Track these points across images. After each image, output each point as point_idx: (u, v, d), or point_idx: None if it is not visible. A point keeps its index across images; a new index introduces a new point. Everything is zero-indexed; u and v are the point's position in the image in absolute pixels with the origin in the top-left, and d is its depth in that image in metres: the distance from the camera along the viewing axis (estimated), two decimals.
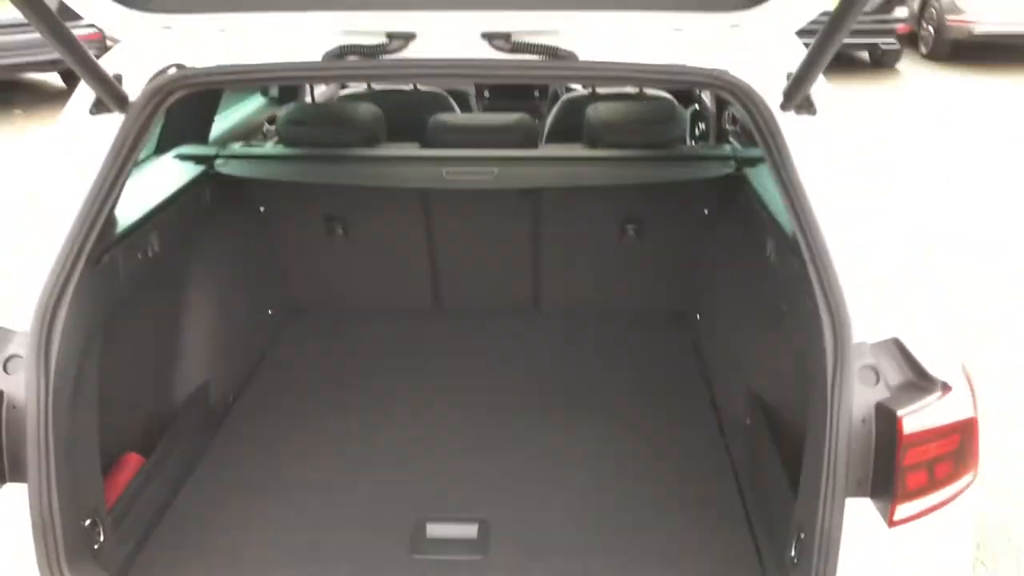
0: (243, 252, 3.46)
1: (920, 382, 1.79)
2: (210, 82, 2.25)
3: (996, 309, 5.15)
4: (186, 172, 3.14)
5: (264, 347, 3.56)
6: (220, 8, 2.22)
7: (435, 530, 2.50)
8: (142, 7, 2.21)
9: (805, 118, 2.08)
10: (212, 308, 3.13)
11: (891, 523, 1.78)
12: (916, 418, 1.74)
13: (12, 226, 2.10)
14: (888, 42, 11.72)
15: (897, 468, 1.75)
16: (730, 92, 2.10)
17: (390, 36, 2.18)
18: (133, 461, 2.57)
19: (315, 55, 2.19)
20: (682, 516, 2.57)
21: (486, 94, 5.53)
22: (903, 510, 1.78)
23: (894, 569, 1.86)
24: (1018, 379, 4.37)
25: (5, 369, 1.91)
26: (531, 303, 3.82)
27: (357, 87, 4.64)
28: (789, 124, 2.05)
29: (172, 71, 2.18)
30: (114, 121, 2.14)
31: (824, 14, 1.87)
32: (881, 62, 12.19)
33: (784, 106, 2.07)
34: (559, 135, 4.09)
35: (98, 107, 2.17)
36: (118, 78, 2.16)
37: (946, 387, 1.78)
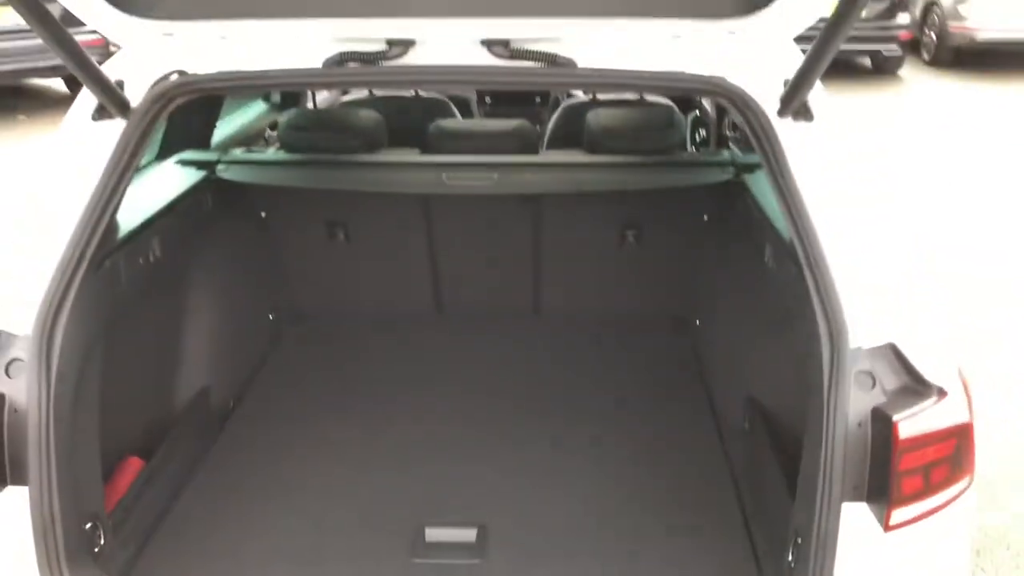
0: (244, 257, 3.47)
1: (916, 387, 1.80)
2: (211, 88, 2.26)
3: (998, 316, 5.14)
4: (188, 177, 3.15)
5: (265, 352, 3.58)
6: (221, 15, 2.23)
7: (434, 534, 2.50)
8: (144, 14, 2.22)
9: (802, 124, 2.09)
10: (213, 313, 3.14)
11: (887, 527, 1.79)
12: (912, 423, 1.75)
13: (15, 230, 2.12)
14: (890, 48, 11.74)
15: (893, 473, 1.75)
16: (727, 99, 2.11)
17: (390, 43, 2.19)
18: (134, 465, 2.58)
19: (316, 62, 2.20)
20: (680, 521, 2.58)
21: (487, 100, 5.55)
22: (899, 515, 1.78)
23: (891, 573, 1.86)
24: (1020, 386, 4.37)
25: (7, 373, 1.92)
26: (531, 308, 3.83)
27: (359, 93, 4.66)
28: (786, 130, 2.06)
29: (174, 77, 2.20)
30: (116, 127, 2.15)
31: (822, 20, 1.87)
32: (883, 68, 12.20)
33: (781, 112, 2.08)
34: (560, 141, 4.11)
35: (100, 113, 2.18)
36: (120, 84, 2.18)
37: (942, 392, 1.79)
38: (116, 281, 2.34)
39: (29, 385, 1.90)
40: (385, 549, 2.47)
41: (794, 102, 2.04)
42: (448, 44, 2.19)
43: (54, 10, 1.89)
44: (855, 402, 1.79)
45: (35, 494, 1.90)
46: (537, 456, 2.90)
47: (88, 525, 2.07)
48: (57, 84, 10.90)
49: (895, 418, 1.74)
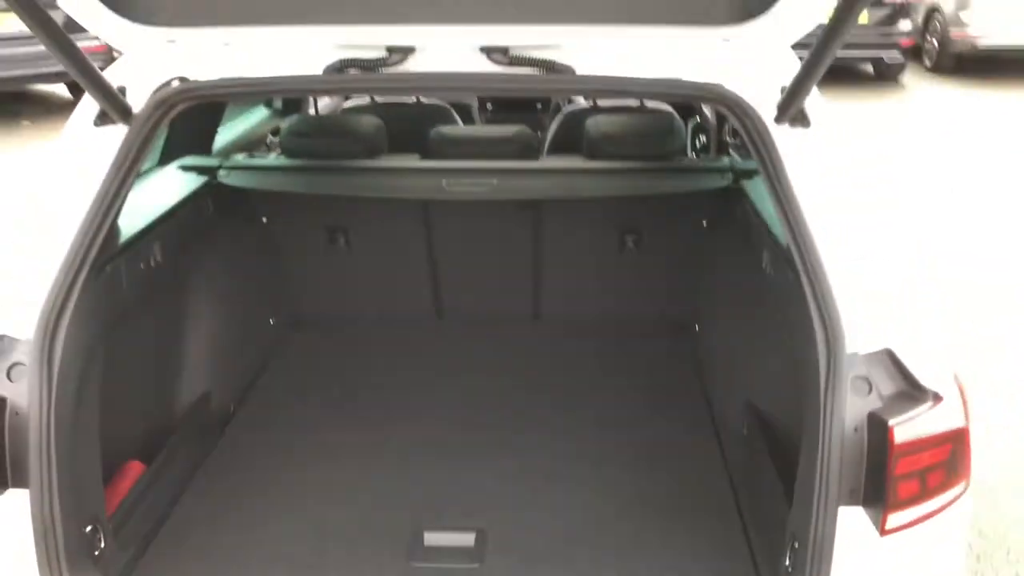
0: (245, 262, 3.48)
1: (912, 392, 1.81)
2: (213, 94, 2.28)
3: (1001, 323, 5.14)
4: (189, 183, 3.17)
5: (266, 357, 3.59)
6: (223, 22, 2.25)
7: (433, 538, 2.51)
8: (146, 21, 2.24)
9: (799, 131, 2.10)
10: (214, 318, 3.15)
11: (883, 532, 1.80)
12: (907, 427, 1.75)
13: (18, 235, 2.13)
14: (892, 55, 11.75)
15: (888, 477, 1.76)
16: (724, 105, 2.13)
17: (390, 50, 2.21)
18: (134, 468, 2.59)
19: (316, 68, 2.22)
20: (679, 525, 2.58)
21: (489, 106, 5.57)
22: (895, 519, 1.79)
23: None
24: (1022, 393, 4.37)
25: (9, 377, 1.93)
26: (531, 313, 3.84)
27: (360, 99, 4.69)
28: (783, 137, 2.07)
29: (175, 84, 2.21)
30: (118, 133, 2.16)
31: (820, 27, 1.89)
32: (885, 75, 12.22)
33: (778, 119, 2.09)
34: (560, 147, 4.12)
35: (102, 119, 2.20)
36: (122, 90, 2.19)
37: (937, 397, 1.80)
38: (117, 286, 2.35)
39: (31, 389, 1.92)
40: (384, 553, 2.48)
41: (791, 109, 2.06)
42: (447, 51, 2.20)
43: (57, 17, 1.91)
44: (851, 407, 1.80)
45: (36, 497, 1.91)
46: (536, 461, 2.91)
47: (88, 528, 2.09)
48: (61, 90, 10.95)
49: (891, 423, 1.75)
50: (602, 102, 4.25)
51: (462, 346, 3.70)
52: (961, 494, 1.87)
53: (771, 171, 2.04)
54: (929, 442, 1.78)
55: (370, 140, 3.51)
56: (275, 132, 4.74)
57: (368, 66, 2.20)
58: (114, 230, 2.28)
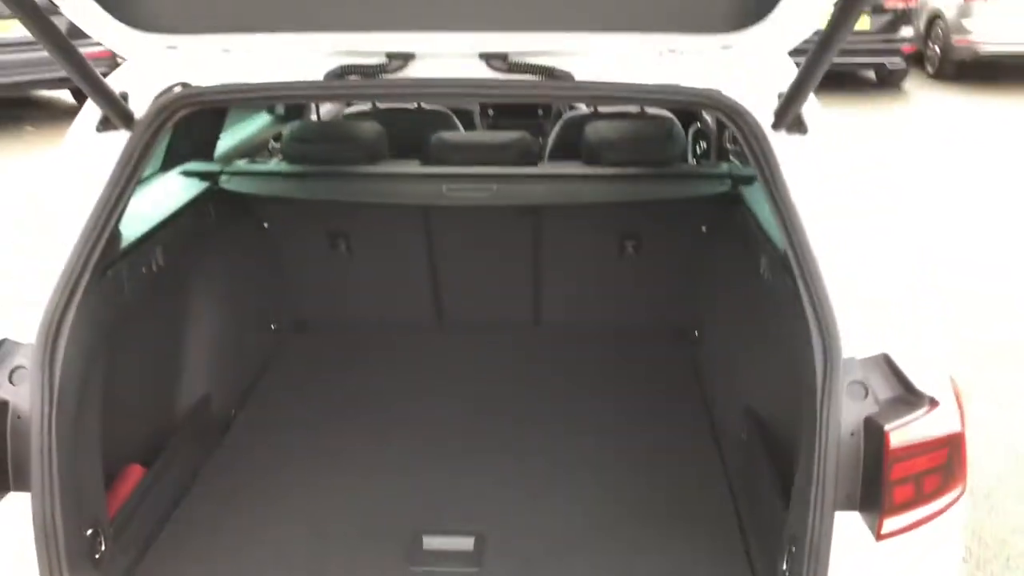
0: (246, 267, 3.50)
1: (908, 397, 1.81)
2: (214, 100, 2.29)
3: (1001, 330, 5.14)
4: (191, 188, 3.18)
5: (266, 361, 3.60)
6: (225, 29, 2.26)
7: (432, 542, 2.52)
8: (148, 27, 2.25)
9: (796, 137, 2.11)
10: (215, 322, 3.17)
11: (879, 536, 1.80)
12: (903, 432, 1.76)
13: (20, 239, 2.15)
14: (894, 61, 11.76)
15: (885, 482, 1.76)
16: (722, 111, 2.14)
17: (390, 56, 2.22)
18: (135, 472, 2.60)
19: (317, 75, 2.23)
20: (678, 530, 2.59)
21: (490, 112, 5.58)
22: (891, 523, 1.79)
23: None
24: (1022, 400, 4.37)
25: (10, 380, 1.94)
26: (531, 319, 3.84)
27: (362, 105, 4.70)
28: (780, 143, 2.08)
29: (177, 90, 2.23)
30: (120, 138, 2.18)
31: (817, 33, 1.90)
32: (887, 81, 12.22)
33: (775, 125, 2.10)
34: (561, 153, 4.13)
35: (104, 125, 2.21)
36: (124, 96, 2.21)
37: (933, 402, 1.80)
38: (119, 290, 2.36)
39: (32, 392, 1.93)
40: (384, 556, 2.49)
41: (788, 115, 2.07)
42: (447, 57, 2.22)
43: (60, 23, 1.92)
44: (847, 412, 1.81)
45: (37, 500, 1.92)
46: (535, 466, 2.92)
47: (89, 531, 2.10)
48: (64, 95, 10.98)
49: (886, 427, 1.75)
50: (603, 108, 4.27)
51: (462, 351, 3.71)
52: (957, 499, 1.88)
53: (768, 177, 2.05)
54: (925, 447, 1.79)
55: (371, 146, 3.53)
56: (277, 138, 4.76)
57: (368, 72, 2.22)
58: (116, 235, 2.30)
